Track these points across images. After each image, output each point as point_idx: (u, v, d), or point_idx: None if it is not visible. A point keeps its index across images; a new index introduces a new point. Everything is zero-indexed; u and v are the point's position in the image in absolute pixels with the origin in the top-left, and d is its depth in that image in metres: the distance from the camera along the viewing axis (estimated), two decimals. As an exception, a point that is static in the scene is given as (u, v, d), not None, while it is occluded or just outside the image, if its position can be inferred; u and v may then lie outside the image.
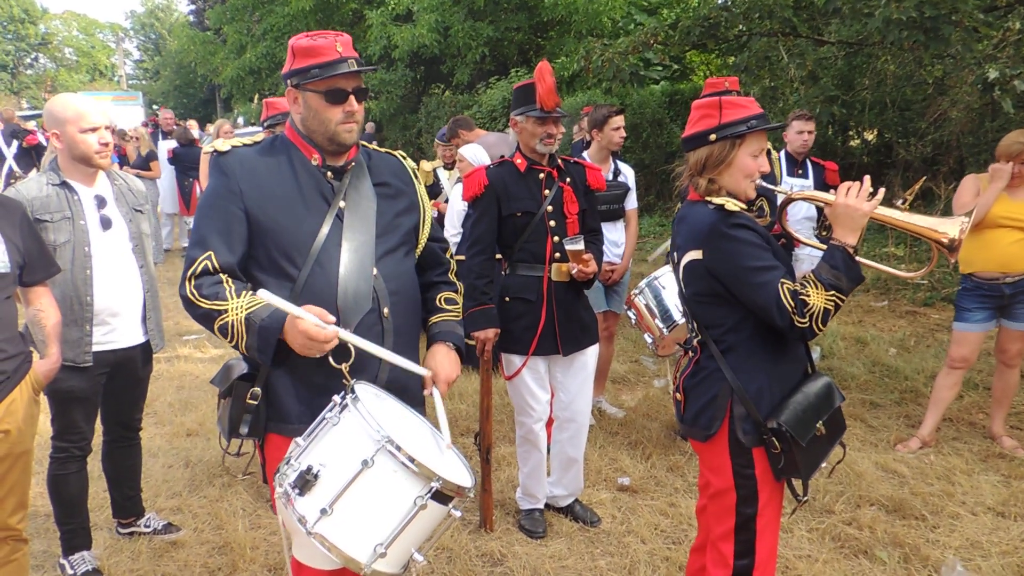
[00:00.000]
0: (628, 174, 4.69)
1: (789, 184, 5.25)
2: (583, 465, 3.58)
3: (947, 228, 2.04)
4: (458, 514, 1.77)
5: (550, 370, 3.41)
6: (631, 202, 4.67)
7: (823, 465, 2.22)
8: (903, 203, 2.13)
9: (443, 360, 2.12)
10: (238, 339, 1.86)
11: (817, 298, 1.98)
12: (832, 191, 2.16)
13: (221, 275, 1.91)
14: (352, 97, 1.99)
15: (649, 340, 4.23)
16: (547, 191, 3.29)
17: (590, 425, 4.43)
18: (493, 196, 3.26)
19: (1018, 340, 4.07)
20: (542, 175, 3.28)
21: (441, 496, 1.71)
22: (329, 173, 2.04)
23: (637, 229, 4.79)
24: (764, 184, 2.24)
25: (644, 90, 13.03)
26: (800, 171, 5.38)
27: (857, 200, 2.02)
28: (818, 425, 2.12)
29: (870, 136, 12.52)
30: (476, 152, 4.93)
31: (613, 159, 4.60)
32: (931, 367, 5.28)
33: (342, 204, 2.01)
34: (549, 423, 3.54)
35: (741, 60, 9.64)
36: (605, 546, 3.34)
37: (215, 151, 2.00)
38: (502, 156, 3.57)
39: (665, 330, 4.04)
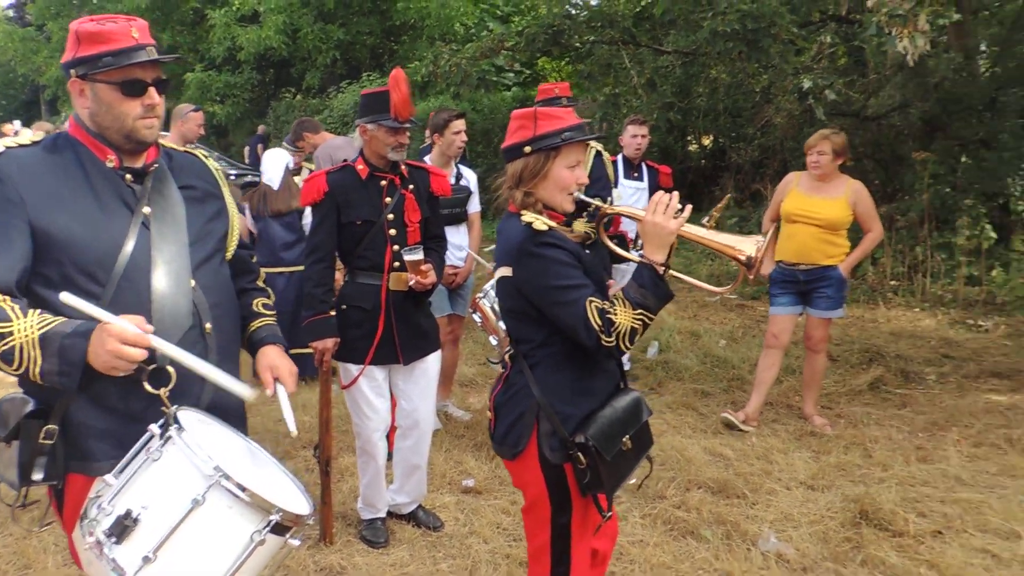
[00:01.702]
0: (471, 178, 4.75)
1: (626, 187, 5.50)
2: (427, 470, 3.60)
3: (745, 247, 2.09)
4: (296, 543, 1.68)
5: (391, 378, 3.40)
6: (474, 205, 4.74)
7: (632, 481, 2.29)
8: (709, 220, 2.23)
9: (280, 357, 2.01)
10: (29, 364, 1.64)
11: (624, 317, 2.00)
12: (663, 193, 2.17)
13: None
14: (152, 89, 1.82)
15: (494, 342, 4.30)
16: (388, 199, 3.27)
17: (436, 430, 4.49)
18: (332, 203, 3.22)
19: (819, 327, 4.50)
20: (384, 182, 3.27)
21: (280, 528, 1.61)
22: (128, 176, 1.84)
23: (481, 232, 4.86)
24: (582, 197, 2.24)
25: (496, 95, 13.25)
26: (636, 174, 5.64)
27: (664, 218, 2.03)
28: (625, 440, 2.15)
29: (706, 141, 13.30)
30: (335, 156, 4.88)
31: (456, 163, 4.65)
32: (755, 356, 5.66)
33: (147, 210, 1.83)
34: (392, 431, 3.53)
35: (585, 67, 10.02)
36: (447, 549, 3.37)
37: None
38: (345, 160, 3.53)
39: (509, 332, 4.12)
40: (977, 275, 7.58)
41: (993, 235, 7.56)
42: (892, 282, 7.82)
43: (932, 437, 4.43)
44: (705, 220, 2.24)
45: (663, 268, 2.07)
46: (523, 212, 2.16)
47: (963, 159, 8.44)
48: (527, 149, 2.15)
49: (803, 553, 3.27)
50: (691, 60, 10.51)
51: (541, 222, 2.10)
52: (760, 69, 9.41)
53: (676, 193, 2.11)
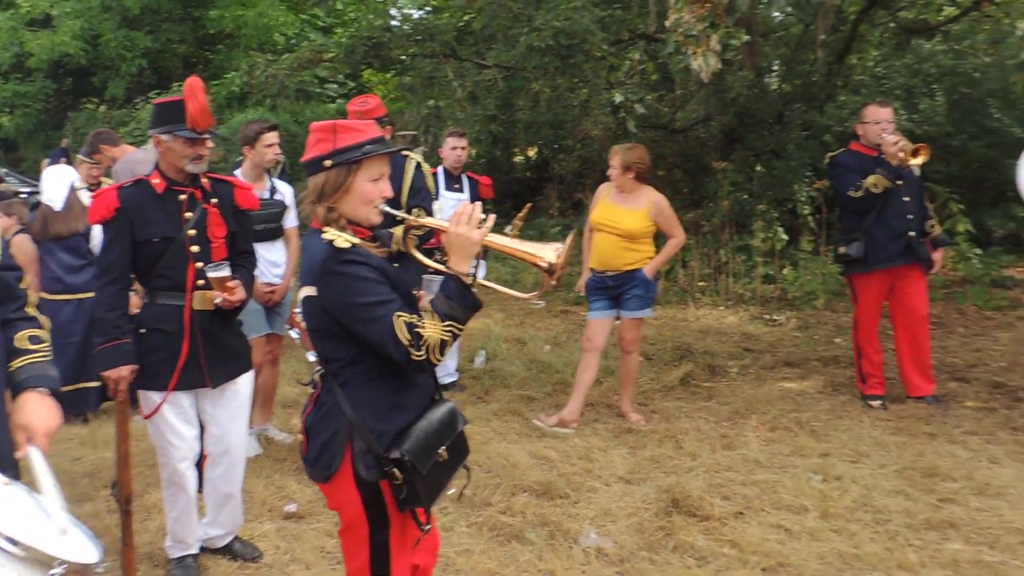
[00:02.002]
0: (286, 192, 4.60)
1: (447, 198, 5.54)
2: (245, 498, 3.43)
3: (545, 253, 2.13)
4: None
5: (198, 404, 3.22)
6: (291, 220, 4.59)
7: (451, 491, 2.30)
8: (512, 229, 2.27)
9: (37, 410, 1.83)
10: None
11: (433, 330, 1.99)
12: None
13: None
14: None
15: (312, 358, 4.17)
16: (189, 214, 3.10)
17: (256, 455, 4.30)
18: (125, 220, 3.00)
19: (631, 328, 4.76)
20: (183, 196, 3.09)
21: None
22: None
23: (299, 247, 4.72)
24: (388, 209, 2.21)
25: (319, 107, 12.95)
26: (457, 185, 5.71)
27: (468, 228, 2.04)
28: (441, 451, 2.16)
29: (531, 153, 13.71)
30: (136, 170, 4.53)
31: (270, 176, 4.49)
32: (578, 359, 5.87)
33: None
34: (203, 460, 3.34)
35: (408, 80, 10.01)
36: (267, 579, 3.23)
37: None
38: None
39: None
40: (772, 274, 8.30)
41: (784, 237, 8.31)
42: (700, 283, 8.39)
43: (735, 425, 4.78)
44: (508, 229, 2.29)
45: (469, 278, 2.08)
46: (325, 229, 2.11)
47: (757, 168, 9.23)
48: (327, 163, 2.10)
49: (621, 545, 3.42)
50: (512, 74, 10.80)
51: (343, 239, 2.06)
52: (579, 84, 9.83)
53: (479, 204, 2.15)
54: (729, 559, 3.28)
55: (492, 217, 2.11)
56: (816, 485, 3.89)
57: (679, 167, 10.95)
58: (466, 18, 11.54)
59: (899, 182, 4.67)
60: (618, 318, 4.81)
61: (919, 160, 4.56)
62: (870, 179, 4.65)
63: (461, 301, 2.05)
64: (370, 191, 2.13)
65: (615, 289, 4.69)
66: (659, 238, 4.81)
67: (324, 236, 2.08)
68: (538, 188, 12.88)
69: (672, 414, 4.97)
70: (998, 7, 8.26)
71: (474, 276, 2.09)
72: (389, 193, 2.20)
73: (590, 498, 3.87)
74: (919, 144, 4.59)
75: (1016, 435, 4.44)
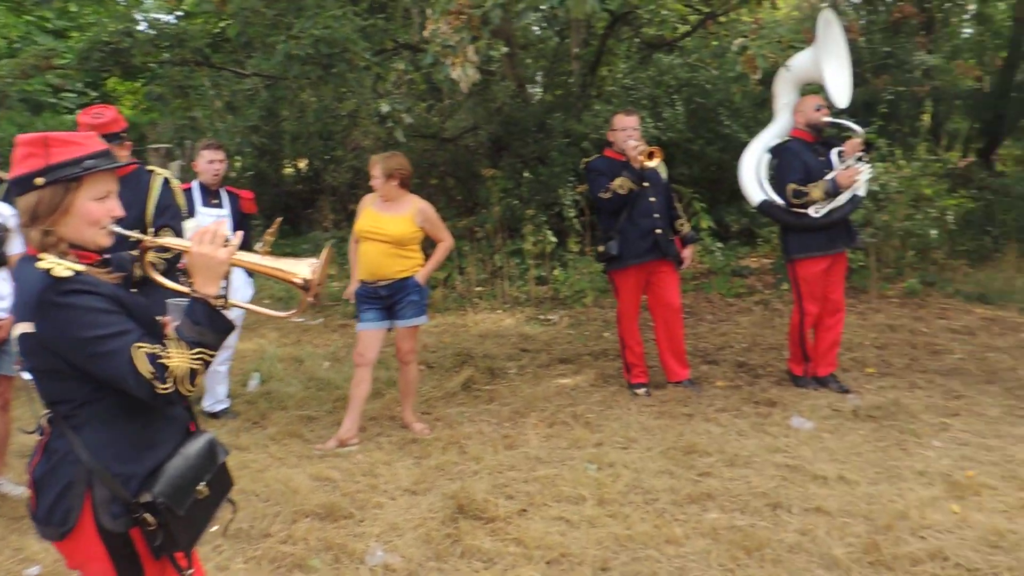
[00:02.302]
0: (5, 214, 4.05)
1: (205, 215, 5.16)
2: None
3: (299, 270, 2.04)
4: None
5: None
6: (16, 246, 4.05)
7: (215, 528, 2.13)
8: (262, 245, 2.13)
9: None
10: None
11: (180, 359, 1.82)
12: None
13: None
14: None
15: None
16: None
17: (-14, 516, 3.74)
18: None
19: (407, 338, 4.73)
20: None
21: None
22: None
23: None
24: (120, 230, 1.97)
25: (54, 119, 11.64)
26: (216, 201, 5.34)
27: (212, 247, 1.90)
28: (200, 487, 1.99)
29: (302, 165, 13.28)
30: None
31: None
32: (359, 373, 5.78)
33: None
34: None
35: (156, 90, 9.28)
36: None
37: None
38: None
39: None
40: (544, 275, 8.67)
41: (553, 239, 8.71)
42: (478, 288, 8.57)
43: (516, 425, 4.90)
44: (258, 246, 2.16)
45: (220, 300, 1.93)
46: (41, 256, 1.86)
47: (525, 174, 9.61)
48: (39, 180, 1.85)
49: (408, 559, 3.36)
50: (275, 83, 10.38)
51: (63, 267, 1.82)
52: (346, 93, 9.66)
53: (225, 220, 2.03)
54: (515, 557, 3.34)
55: (239, 234, 2.03)
56: (592, 474, 4.08)
57: (451, 175, 11.12)
58: (222, 25, 10.93)
59: (645, 184, 5.05)
60: (391, 329, 4.75)
61: (654, 162, 4.95)
62: (616, 181, 5.00)
63: (210, 325, 1.89)
64: (95, 211, 1.91)
65: (389, 299, 4.63)
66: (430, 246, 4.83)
67: (39, 265, 1.83)
68: (310, 200, 12.51)
69: (455, 420, 5.01)
70: (721, 26, 9.26)
71: (225, 297, 1.95)
72: (119, 212, 1.97)
73: (376, 515, 3.77)
74: (652, 148, 5.00)
75: (758, 408, 4.97)
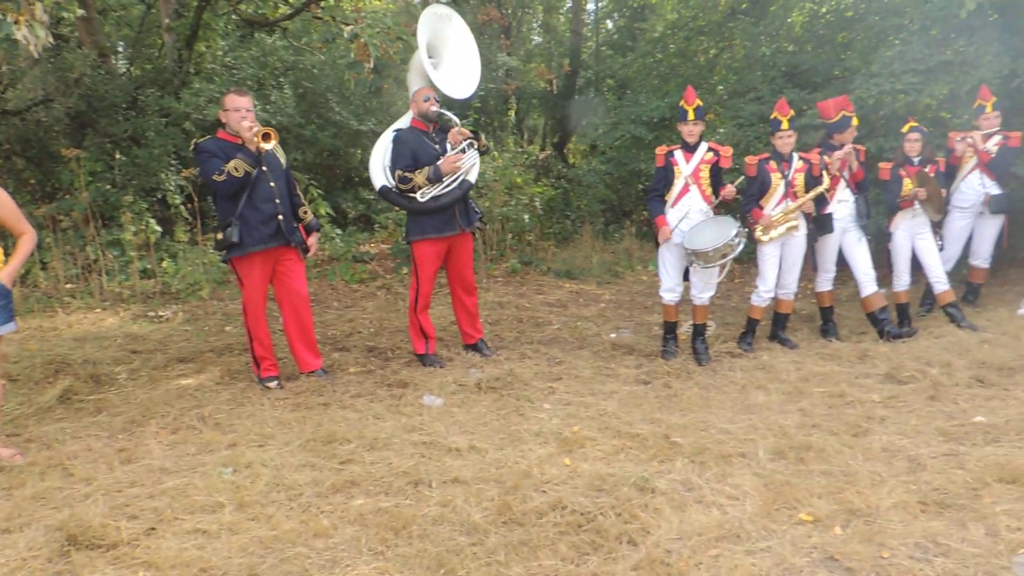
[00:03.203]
0: None
1: None
2: None
3: None
4: None
5: None
6: None
7: None
8: None
9: None
10: None
11: None
12: None
13: None
14: None
15: None
16: None
17: None
18: None
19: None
20: None
21: None
22: None
23: None
24: None
25: None
26: None
27: None
28: None
29: None
30: None
31: None
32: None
33: None
34: None
35: None
36: None
37: None
38: None
39: None
40: (150, 268, 7.85)
41: (158, 228, 7.94)
42: (68, 285, 7.44)
43: (132, 436, 4.38)
44: None
45: None
46: None
47: (117, 156, 8.56)
48: None
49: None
50: None
51: None
52: None
53: None
54: (148, 583, 3.00)
55: None
56: (228, 478, 3.82)
57: (20, 155, 9.47)
58: None
59: (264, 168, 4.85)
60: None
61: (270, 144, 4.77)
62: (231, 163, 4.72)
63: None
64: None
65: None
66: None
67: None
68: None
69: (55, 438, 4.29)
70: (324, 11, 9.22)
71: None
72: None
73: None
74: (267, 128, 4.82)
75: (391, 390, 5.11)
